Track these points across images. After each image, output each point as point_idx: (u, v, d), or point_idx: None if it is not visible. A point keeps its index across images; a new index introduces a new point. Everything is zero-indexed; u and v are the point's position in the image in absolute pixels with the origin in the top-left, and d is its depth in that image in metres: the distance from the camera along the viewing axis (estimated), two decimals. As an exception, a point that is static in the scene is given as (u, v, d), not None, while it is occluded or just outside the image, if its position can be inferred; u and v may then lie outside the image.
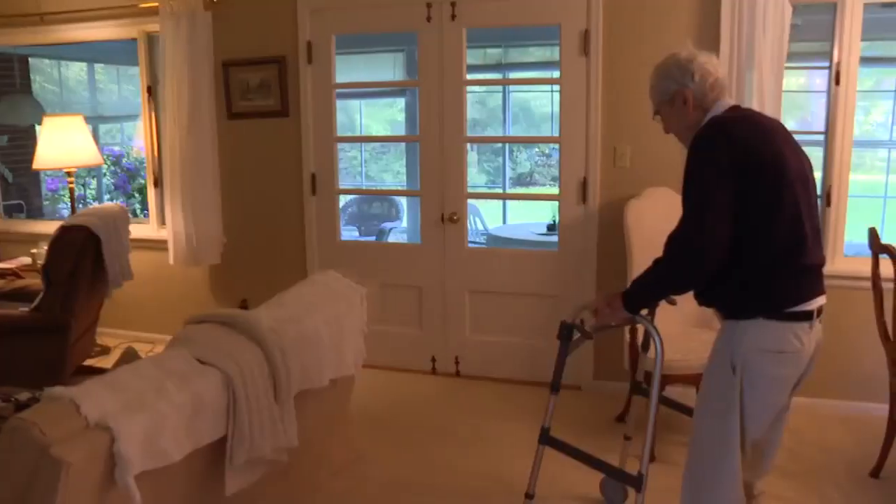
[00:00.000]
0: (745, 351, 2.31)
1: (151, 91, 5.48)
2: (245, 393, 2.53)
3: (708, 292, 2.44)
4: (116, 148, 8.99)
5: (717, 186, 2.24)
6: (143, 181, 7.70)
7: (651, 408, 2.61)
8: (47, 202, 7.87)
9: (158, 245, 5.45)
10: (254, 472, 2.70)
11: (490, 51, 8.88)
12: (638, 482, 2.59)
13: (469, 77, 4.80)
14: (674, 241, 2.33)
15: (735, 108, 2.46)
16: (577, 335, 2.78)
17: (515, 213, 10.09)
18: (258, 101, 5.15)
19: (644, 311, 3.24)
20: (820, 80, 4.46)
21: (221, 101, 5.20)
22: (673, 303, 2.93)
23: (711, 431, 2.42)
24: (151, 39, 5.40)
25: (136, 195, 8.55)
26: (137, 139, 7.56)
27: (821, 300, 2.36)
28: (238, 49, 5.11)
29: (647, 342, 3.39)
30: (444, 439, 4.06)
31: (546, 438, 2.88)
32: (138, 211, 8.16)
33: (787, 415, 2.57)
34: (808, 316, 2.30)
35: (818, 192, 4.27)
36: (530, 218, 8.28)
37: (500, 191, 11.04)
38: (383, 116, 11.12)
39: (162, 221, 5.58)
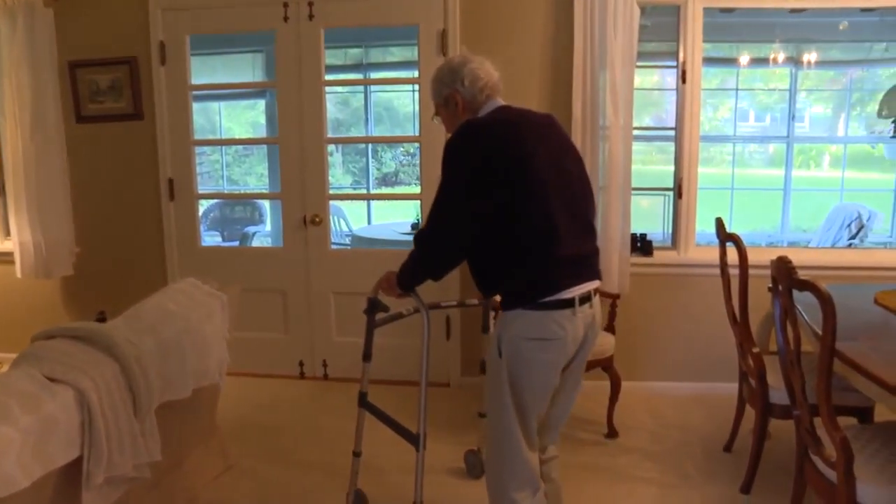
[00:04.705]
0: (510, 339, 2.45)
1: (-12, 93, 5.15)
2: (101, 409, 2.44)
3: (482, 285, 2.59)
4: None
5: (459, 182, 2.39)
6: (-16, 190, 7.21)
7: (422, 375, 2.82)
8: None
9: (3, 257, 5.15)
10: (114, 491, 2.60)
11: (351, 51, 8.82)
12: (416, 440, 2.82)
13: (329, 77, 4.76)
14: (418, 235, 2.53)
15: (502, 109, 2.59)
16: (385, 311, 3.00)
17: (383, 214, 10.09)
18: (109, 104, 4.94)
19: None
20: (671, 78, 4.67)
21: (69, 104, 4.95)
22: None
23: (493, 410, 2.57)
24: (-15, 37, 5.07)
25: (-23, 205, 8.03)
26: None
27: (585, 287, 2.47)
28: (85, 48, 4.88)
29: (486, 324, 3.55)
30: (316, 443, 4.02)
31: (364, 402, 3.13)
32: (-20, 222, 7.65)
33: (577, 392, 2.74)
34: (567, 304, 2.42)
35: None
36: (398, 218, 8.30)
37: (365, 191, 11.01)
38: (245, 118, 10.86)
39: (6, 232, 5.25)
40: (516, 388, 2.47)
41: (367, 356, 3.09)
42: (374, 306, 2.98)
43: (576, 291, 2.43)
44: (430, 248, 2.52)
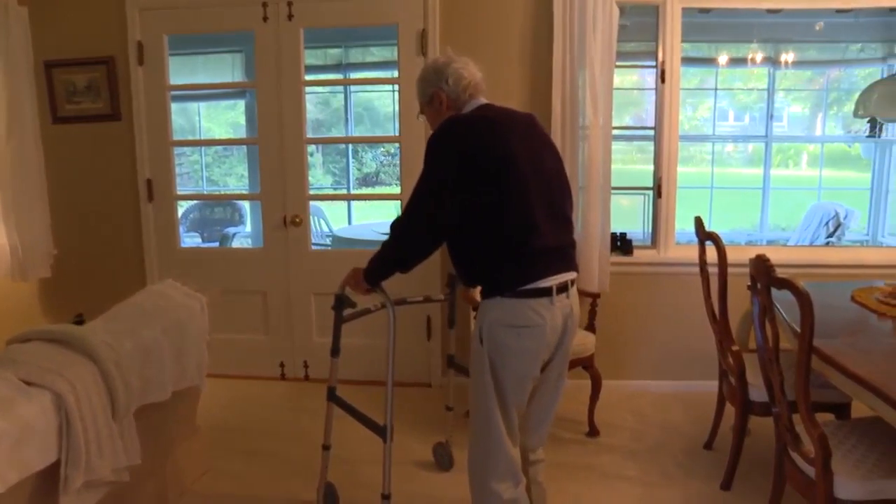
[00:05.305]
0: (489, 326, 2.51)
1: (-37, 94, 5.08)
2: (79, 412, 2.41)
3: (463, 275, 2.65)
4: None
5: (439, 174, 2.46)
6: (-41, 192, 7.12)
7: (388, 368, 2.86)
8: None
9: (-21, 260, 5.07)
10: (93, 496, 2.57)
11: (331, 51, 8.80)
12: (383, 432, 2.87)
13: (309, 77, 4.74)
14: (394, 224, 2.58)
15: (483, 107, 2.64)
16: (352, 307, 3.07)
17: (363, 214, 10.07)
18: (86, 105, 4.90)
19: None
20: (650, 78, 4.69)
21: (45, 104, 4.90)
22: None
23: (475, 397, 2.60)
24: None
25: (-47, 207, 7.91)
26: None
27: (562, 277, 2.52)
28: (61, 48, 4.83)
29: (452, 318, 3.66)
30: (296, 445, 4.00)
31: (332, 396, 3.23)
32: (-45, 224, 7.54)
33: (560, 390, 2.76)
34: (545, 292, 2.47)
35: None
36: (378, 218, 8.29)
37: (345, 191, 10.98)
38: (225, 119, 10.80)
39: (-18, 234, 5.19)
40: (497, 377, 2.51)
41: (335, 351, 3.16)
42: (341, 302, 3.04)
43: (553, 281, 2.48)
44: (404, 236, 2.56)
